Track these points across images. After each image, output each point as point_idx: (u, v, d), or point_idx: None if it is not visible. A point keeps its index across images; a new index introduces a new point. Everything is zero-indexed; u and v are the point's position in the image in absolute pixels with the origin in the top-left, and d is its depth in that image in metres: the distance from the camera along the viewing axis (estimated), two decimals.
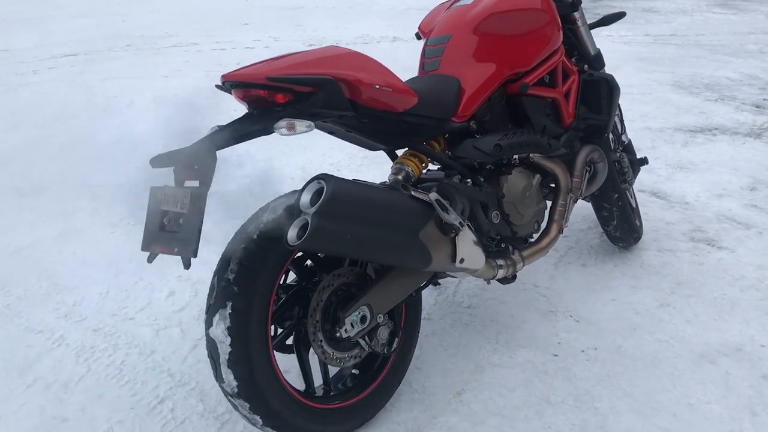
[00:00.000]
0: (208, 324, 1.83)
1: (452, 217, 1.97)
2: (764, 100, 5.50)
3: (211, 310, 1.84)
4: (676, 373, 2.33)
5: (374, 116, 1.96)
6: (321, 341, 1.97)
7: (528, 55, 2.38)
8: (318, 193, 1.75)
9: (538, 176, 2.42)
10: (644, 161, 3.11)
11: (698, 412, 2.16)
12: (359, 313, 1.96)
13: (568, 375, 2.33)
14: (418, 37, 2.64)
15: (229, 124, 1.82)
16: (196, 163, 1.74)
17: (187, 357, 2.47)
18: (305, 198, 1.76)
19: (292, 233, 1.71)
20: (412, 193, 1.96)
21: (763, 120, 4.99)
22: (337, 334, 1.96)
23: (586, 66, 2.70)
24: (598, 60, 2.75)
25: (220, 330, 1.80)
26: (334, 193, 1.71)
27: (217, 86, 1.91)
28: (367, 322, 1.97)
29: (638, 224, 3.11)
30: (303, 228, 1.71)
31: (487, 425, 2.13)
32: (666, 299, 2.75)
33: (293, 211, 1.79)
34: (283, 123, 1.77)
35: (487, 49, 2.32)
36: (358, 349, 2.07)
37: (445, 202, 1.98)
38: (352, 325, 1.95)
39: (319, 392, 2.07)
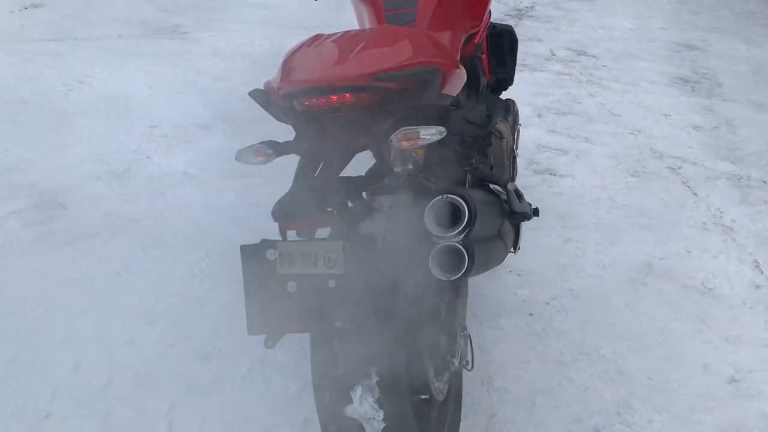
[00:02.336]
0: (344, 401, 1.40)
1: (525, 205, 1.80)
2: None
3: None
4: (629, 304, 2.54)
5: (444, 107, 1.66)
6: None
7: (481, 10, 2.21)
8: (449, 211, 1.44)
9: (505, 140, 2.33)
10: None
11: (671, 332, 2.41)
12: (462, 337, 1.71)
13: (556, 331, 2.39)
14: None
15: (327, 147, 1.38)
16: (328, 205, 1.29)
17: None
18: (435, 221, 1.43)
19: (442, 266, 1.38)
20: (491, 186, 1.74)
21: None
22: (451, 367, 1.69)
23: None
24: None
25: (367, 408, 1.40)
26: (475, 212, 1.42)
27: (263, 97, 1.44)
28: (466, 342, 1.74)
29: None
30: (455, 257, 1.39)
31: (538, 406, 2.08)
32: (565, 234, 2.95)
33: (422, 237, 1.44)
34: (403, 133, 1.40)
35: (454, 2, 2.09)
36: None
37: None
38: (458, 351, 1.70)
39: None
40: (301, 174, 1.47)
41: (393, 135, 1.39)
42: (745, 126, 4.28)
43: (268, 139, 1.54)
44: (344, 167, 1.47)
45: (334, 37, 1.59)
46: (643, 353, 2.29)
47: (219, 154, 3.31)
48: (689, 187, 3.41)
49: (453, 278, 1.37)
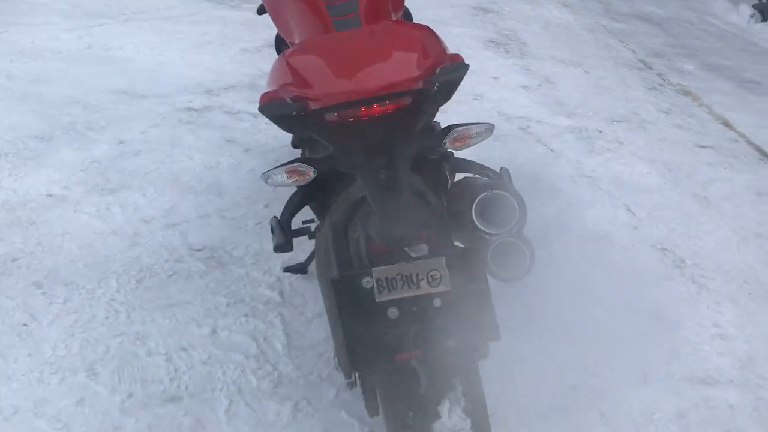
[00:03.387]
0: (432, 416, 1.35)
1: None
2: None
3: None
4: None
5: None
6: None
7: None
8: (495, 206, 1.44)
9: None
10: None
11: (590, 282, 2.60)
12: None
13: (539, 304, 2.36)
14: (260, 12, 2.17)
15: (379, 158, 1.31)
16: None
17: None
18: (479, 216, 1.42)
19: (504, 264, 1.39)
20: None
21: None
22: None
23: None
24: None
25: (455, 419, 1.36)
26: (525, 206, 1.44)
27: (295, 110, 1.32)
28: None
29: None
30: (516, 253, 1.40)
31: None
32: None
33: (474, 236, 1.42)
34: (456, 134, 1.36)
35: None
36: None
37: None
38: None
39: None
40: (357, 190, 1.35)
41: (447, 137, 1.35)
42: (561, 81, 4.69)
43: (297, 157, 1.42)
44: (408, 176, 1.38)
45: (343, 42, 1.48)
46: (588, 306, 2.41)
47: (78, 167, 2.94)
48: (545, 144, 3.69)
49: (515, 276, 1.38)
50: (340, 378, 1.98)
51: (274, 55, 3.98)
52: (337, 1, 1.95)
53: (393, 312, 1.22)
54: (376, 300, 1.21)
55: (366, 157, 1.32)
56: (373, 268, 1.22)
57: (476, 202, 1.40)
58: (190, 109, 3.55)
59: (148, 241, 2.54)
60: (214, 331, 2.16)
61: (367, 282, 1.21)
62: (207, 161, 3.12)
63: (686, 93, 4.72)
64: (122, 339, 2.10)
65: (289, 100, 1.37)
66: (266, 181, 1.43)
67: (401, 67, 1.36)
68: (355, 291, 1.21)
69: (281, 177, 1.39)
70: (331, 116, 1.38)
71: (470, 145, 1.41)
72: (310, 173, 1.36)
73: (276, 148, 3.28)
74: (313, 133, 1.42)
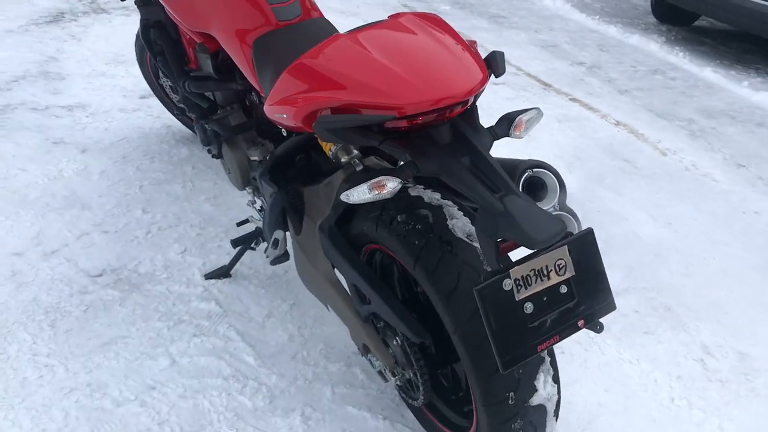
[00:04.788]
0: (530, 392, 1.45)
1: None
2: None
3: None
4: None
5: None
6: None
7: None
8: (538, 183, 1.56)
9: None
10: None
11: None
12: None
13: None
14: None
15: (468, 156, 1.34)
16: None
17: None
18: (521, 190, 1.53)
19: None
20: None
21: None
22: None
23: None
24: None
25: (549, 388, 1.48)
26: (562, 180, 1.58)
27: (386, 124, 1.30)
28: None
29: None
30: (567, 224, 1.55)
31: None
32: None
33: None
34: (517, 119, 1.43)
35: None
36: None
37: None
38: None
39: None
40: (466, 189, 1.32)
41: (512, 127, 1.40)
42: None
43: (378, 170, 1.38)
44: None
45: (387, 41, 1.42)
46: None
47: None
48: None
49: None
50: (327, 374, 1.98)
51: (54, 35, 3.58)
52: None
53: (528, 306, 1.27)
54: (516, 299, 1.26)
55: (451, 158, 1.32)
56: (510, 270, 1.25)
57: (522, 181, 1.49)
58: None
59: (35, 277, 2.20)
60: (173, 361, 1.98)
61: (507, 284, 1.25)
62: (46, 171, 2.72)
63: None
64: (77, 395, 1.84)
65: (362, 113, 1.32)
66: (348, 200, 1.36)
67: (473, 63, 1.36)
68: (499, 295, 1.24)
69: (364, 194, 1.34)
70: (393, 124, 1.35)
71: (528, 131, 1.47)
72: (395, 185, 1.33)
73: (115, 142, 2.97)
74: (375, 142, 1.38)
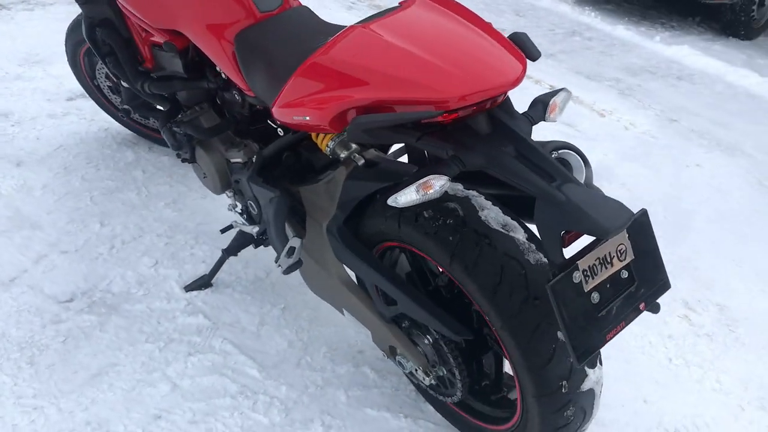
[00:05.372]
0: (582, 378, 1.43)
1: None
2: None
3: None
4: None
5: None
6: None
7: None
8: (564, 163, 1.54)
9: None
10: None
11: None
12: None
13: None
14: None
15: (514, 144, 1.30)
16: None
17: None
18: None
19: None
20: None
21: None
22: None
23: None
24: None
25: (597, 371, 1.47)
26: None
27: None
28: None
29: None
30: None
31: None
32: None
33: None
34: (551, 102, 1.41)
35: None
36: None
37: None
38: None
39: None
40: (522, 182, 1.27)
41: (547, 111, 1.37)
42: None
43: (420, 170, 1.32)
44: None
45: (419, 30, 1.35)
46: None
47: None
48: None
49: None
50: (337, 378, 1.92)
51: None
52: None
53: (595, 297, 1.25)
54: (585, 290, 1.24)
55: (496, 149, 1.27)
56: (577, 261, 1.22)
57: None
58: None
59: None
60: (174, 385, 1.86)
61: (576, 276, 1.22)
62: None
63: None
64: None
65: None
66: (396, 205, 1.29)
67: (511, 49, 1.31)
68: (570, 288, 1.21)
69: (412, 196, 1.27)
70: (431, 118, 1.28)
71: (561, 113, 1.44)
72: (444, 183, 1.26)
73: (51, 152, 2.74)
74: (413, 139, 1.31)
